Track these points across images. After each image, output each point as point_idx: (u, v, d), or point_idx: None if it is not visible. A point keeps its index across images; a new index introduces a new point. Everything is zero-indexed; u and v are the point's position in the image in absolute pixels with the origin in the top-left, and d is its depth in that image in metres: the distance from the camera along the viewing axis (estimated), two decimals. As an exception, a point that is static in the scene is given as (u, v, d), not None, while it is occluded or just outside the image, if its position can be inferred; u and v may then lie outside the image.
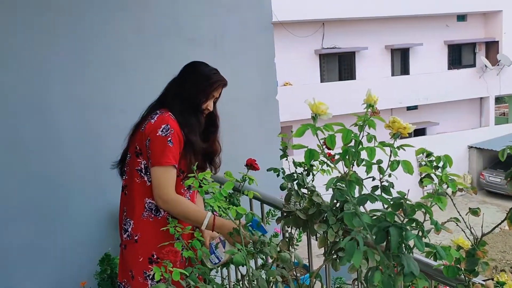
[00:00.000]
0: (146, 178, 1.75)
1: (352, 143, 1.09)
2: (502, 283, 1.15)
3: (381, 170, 0.98)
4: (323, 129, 0.96)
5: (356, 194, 1.21)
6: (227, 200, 2.08)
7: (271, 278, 1.51)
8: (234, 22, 3.06)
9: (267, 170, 2.01)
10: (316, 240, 1.80)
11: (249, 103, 3.11)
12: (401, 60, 16.11)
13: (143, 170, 1.76)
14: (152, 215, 1.73)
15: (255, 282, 1.51)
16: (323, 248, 1.65)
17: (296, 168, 1.99)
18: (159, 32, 2.86)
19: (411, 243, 0.94)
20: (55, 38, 2.64)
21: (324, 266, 1.74)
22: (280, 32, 13.20)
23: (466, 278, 1.11)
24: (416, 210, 0.93)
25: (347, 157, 0.97)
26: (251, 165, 1.88)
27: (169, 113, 1.76)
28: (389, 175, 0.98)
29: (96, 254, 2.56)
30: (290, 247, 1.86)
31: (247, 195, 2.01)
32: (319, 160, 1.86)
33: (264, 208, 2.30)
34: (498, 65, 16.31)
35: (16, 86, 2.58)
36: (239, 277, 2.48)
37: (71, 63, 2.68)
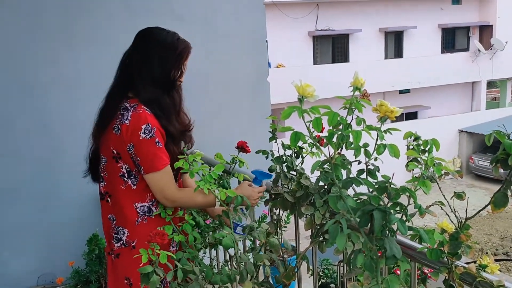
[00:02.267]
0: (130, 182, 1.61)
1: (341, 127, 1.09)
2: (484, 266, 1.16)
3: (367, 154, 0.98)
4: (310, 112, 0.95)
5: (344, 177, 1.21)
6: (217, 182, 2.08)
7: (259, 262, 1.52)
8: (225, 0, 3.02)
9: (256, 152, 2.01)
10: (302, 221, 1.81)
11: (240, 84, 3.09)
12: (394, 43, 16.05)
13: (126, 175, 1.60)
14: (146, 217, 1.63)
15: (243, 266, 1.52)
16: (305, 231, 1.67)
17: (285, 150, 1.99)
18: (149, 9, 2.80)
19: (394, 226, 0.95)
20: (42, 16, 2.58)
21: (311, 248, 1.75)
22: (273, 13, 13.04)
23: (449, 260, 1.12)
24: (400, 194, 0.93)
25: (333, 140, 0.96)
26: (242, 147, 1.86)
27: (143, 106, 1.55)
28: (375, 159, 0.98)
29: (85, 235, 2.56)
30: (278, 229, 1.87)
31: (237, 177, 2.01)
32: (309, 142, 1.86)
33: (253, 190, 2.30)
34: (491, 49, 16.32)
35: (4, 67, 2.53)
36: (228, 258, 2.50)
37: (58, 42, 2.63)
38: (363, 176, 1.02)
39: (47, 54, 2.61)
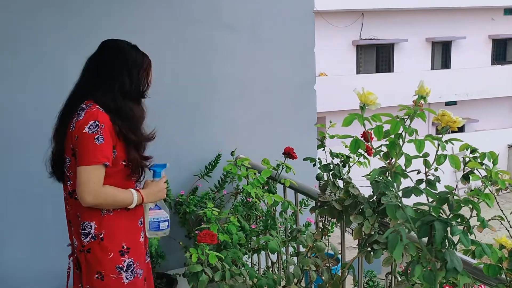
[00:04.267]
0: None
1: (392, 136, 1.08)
2: (546, 286, 1.11)
3: (427, 164, 0.96)
4: (371, 120, 0.95)
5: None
6: (263, 187, 2.10)
7: (304, 266, 1.51)
8: (274, 9, 3.03)
9: (304, 159, 2.01)
10: (346, 232, 1.79)
11: (286, 92, 3.10)
12: (442, 53, 15.61)
13: None
14: (111, 209, 1.67)
15: (288, 269, 1.53)
16: (353, 240, 1.65)
17: (333, 158, 1.98)
18: (195, 17, 2.83)
19: (455, 238, 0.92)
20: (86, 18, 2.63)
21: (358, 260, 1.73)
22: (317, 21, 13.01)
23: (508, 277, 1.08)
24: (462, 205, 0.91)
25: (393, 148, 0.95)
26: (289, 153, 1.87)
27: (97, 106, 1.63)
28: (436, 169, 0.96)
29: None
30: (323, 236, 1.87)
31: (283, 183, 2.02)
32: (357, 152, 1.85)
33: (298, 197, 2.30)
34: (545, 61, 15.57)
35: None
36: (269, 264, 2.50)
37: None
38: (421, 186, 1.00)
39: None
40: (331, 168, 1.96)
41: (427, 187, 0.95)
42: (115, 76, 1.67)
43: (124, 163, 1.66)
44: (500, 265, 1.11)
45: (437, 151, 0.93)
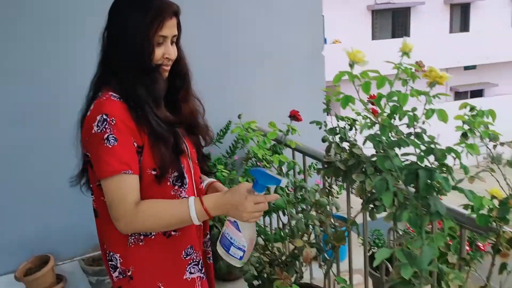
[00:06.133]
0: None
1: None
2: (535, 233, 1.17)
3: (414, 118, 1.02)
4: (360, 76, 1.00)
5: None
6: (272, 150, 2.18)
7: (309, 221, 1.60)
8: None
9: (310, 122, 2.07)
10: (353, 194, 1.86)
11: (294, 58, 3.12)
12: (460, 16, 15.20)
13: None
14: (142, 237, 1.24)
15: (294, 224, 1.61)
16: (357, 197, 1.72)
17: (338, 121, 2.04)
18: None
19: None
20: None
21: (362, 219, 1.82)
22: (331, -13, 12.75)
23: (498, 225, 1.15)
24: (446, 154, 0.97)
25: (380, 103, 1.01)
26: (294, 116, 1.93)
27: (110, 93, 1.18)
28: (423, 122, 1.02)
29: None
30: (330, 197, 1.95)
31: (289, 145, 2.09)
32: (363, 115, 1.91)
33: (306, 160, 2.38)
34: None
35: None
36: (281, 225, 2.61)
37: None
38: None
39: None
40: (337, 131, 2.02)
41: (414, 139, 1.01)
42: (112, 41, 1.22)
43: (154, 172, 1.19)
44: (491, 215, 1.18)
45: (425, 105, 0.99)
